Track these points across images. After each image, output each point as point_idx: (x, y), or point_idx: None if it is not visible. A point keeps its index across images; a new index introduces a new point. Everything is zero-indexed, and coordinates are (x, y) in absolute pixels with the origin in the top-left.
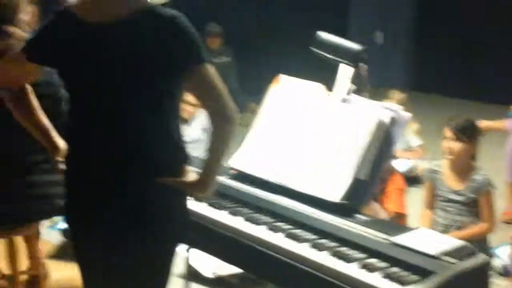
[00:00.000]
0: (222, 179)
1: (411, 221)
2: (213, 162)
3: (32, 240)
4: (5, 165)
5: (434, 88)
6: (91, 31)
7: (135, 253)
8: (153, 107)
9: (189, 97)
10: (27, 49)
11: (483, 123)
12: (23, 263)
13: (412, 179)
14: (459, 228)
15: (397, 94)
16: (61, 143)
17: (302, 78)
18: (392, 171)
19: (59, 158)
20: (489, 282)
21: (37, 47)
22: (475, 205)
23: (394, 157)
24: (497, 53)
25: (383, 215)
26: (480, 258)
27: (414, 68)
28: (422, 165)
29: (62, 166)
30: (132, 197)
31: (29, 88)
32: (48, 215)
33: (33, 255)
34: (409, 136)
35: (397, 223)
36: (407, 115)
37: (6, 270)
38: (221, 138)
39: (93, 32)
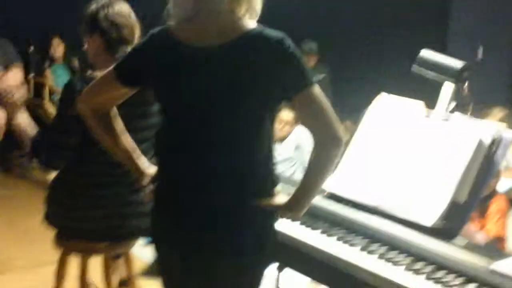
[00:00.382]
0: (316, 198)
1: (511, 244)
2: (311, 185)
3: (126, 257)
4: (109, 184)
5: None
6: (195, 54)
7: (223, 276)
8: (252, 129)
9: (283, 116)
10: (120, 71)
11: None
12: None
13: None
14: None
15: (498, 111)
16: (146, 166)
17: (401, 96)
18: (495, 192)
19: (145, 181)
20: None
21: (132, 69)
22: None
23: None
24: None
25: (480, 238)
26: None
27: None
28: None
29: (149, 189)
30: (224, 220)
31: (114, 111)
32: (144, 232)
33: (126, 272)
34: (510, 155)
35: (497, 247)
36: (511, 133)
37: (101, 286)
38: (325, 161)
39: (197, 55)
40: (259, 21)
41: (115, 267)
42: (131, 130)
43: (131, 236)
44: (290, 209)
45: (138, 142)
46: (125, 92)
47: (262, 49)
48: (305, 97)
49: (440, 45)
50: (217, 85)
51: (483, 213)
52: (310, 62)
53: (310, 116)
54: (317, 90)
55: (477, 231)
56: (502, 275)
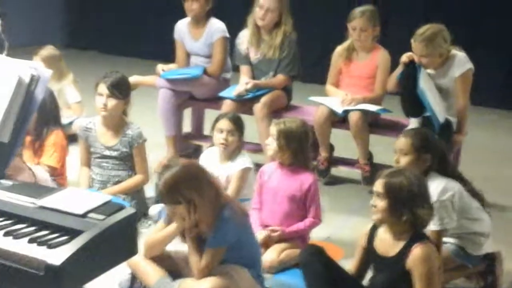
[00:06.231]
0: None
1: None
2: None
3: None
4: None
5: (92, 45)
6: None
7: None
8: None
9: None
10: None
11: (134, 78)
12: None
13: (70, 137)
14: (116, 182)
15: (44, 51)
16: None
17: None
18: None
19: None
20: (136, 232)
21: None
22: (129, 159)
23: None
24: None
25: (28, 176)
26: (128, 211)
27: (70, 25)
28: (79, 122)
29: None
30: None
31: None
32: None
33: None
34: (67, 94)
35: (56, 179)
36: (48, 72)
37: None
38: None
39: None
40: None
41: None
42: None
43: None
44: None
45: None
46: None
47: None
48: None
49: None
50: None
51: (37, 148)
52: None
53: None
54: None
55: (28, 169)
56: (50, 210)
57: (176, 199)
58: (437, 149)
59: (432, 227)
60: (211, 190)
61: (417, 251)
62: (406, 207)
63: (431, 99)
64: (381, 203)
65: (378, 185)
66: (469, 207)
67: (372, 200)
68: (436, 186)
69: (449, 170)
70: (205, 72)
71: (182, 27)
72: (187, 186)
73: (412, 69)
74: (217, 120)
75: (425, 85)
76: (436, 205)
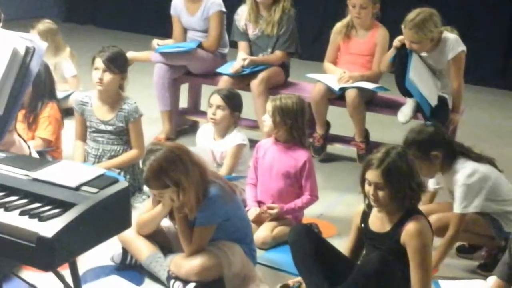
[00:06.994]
0: None
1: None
2: None
3: None
4: None
5: (89, 19)
6: None
7: None
8: None
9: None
10: None
11: (129, 54)
12: None
13: (66, 111)
14: (111, 157)
15: (41, 25)
16: None
17: None
18: (50, 100)
19: None
20: (129, 205)
21: None
22: (125, 134)
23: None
24: None
25: (19, 150)
26: (121, 184)
27: None
28: (75, 96)
29: None
30: None
31: None
32: None
33: None
34: (64, 68)
35: (51, 152)
36: (44, 44)
37: None
38: None
39: None
40: None
41: None
42: None
43: None
44: None
45: None
46: None
47: None
48: None
49: None
50: None
51: (32, 121)
52: None
53: None
54: None
55: (22, 142)
56: (43, 183)
57: (163, 183)
58: (440, 139)
59: (455, 209)
60: (196, 170)
61: (410, 226)
62: (406, 188)
63: (421, 86)
64: (381, 193)
65: (374, 176)
66: (500, 190)
67: (367, 190)
68: (464, 170)
69: (463, 152)
70: (201, 46)
71: (178, 3)
72: (173, 169)
73: (404, 54)
74: (211, 96)
75: (415, 72)
76: (462, 188)
